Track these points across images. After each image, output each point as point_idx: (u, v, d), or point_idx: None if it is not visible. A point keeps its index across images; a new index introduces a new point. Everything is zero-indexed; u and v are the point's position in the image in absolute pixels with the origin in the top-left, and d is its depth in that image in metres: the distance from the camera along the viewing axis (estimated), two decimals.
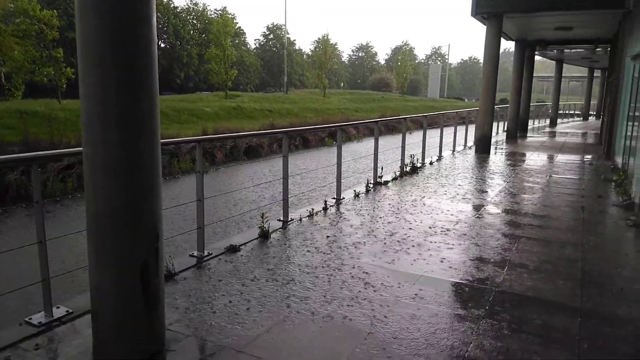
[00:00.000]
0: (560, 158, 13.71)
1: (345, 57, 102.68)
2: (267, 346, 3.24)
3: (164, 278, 3.30)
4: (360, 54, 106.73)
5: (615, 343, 3.38)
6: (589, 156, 14.24)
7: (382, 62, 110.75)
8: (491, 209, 7.37)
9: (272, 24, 78.73)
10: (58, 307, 3.61)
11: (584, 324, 3.63)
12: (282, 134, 6.51)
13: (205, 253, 4.95)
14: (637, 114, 8.18)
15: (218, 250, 5.09)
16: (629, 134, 9.40)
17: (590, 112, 37.65)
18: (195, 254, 4.92)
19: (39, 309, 3.55)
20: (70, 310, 3.60)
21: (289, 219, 6.35)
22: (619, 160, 10.97)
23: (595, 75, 36.70)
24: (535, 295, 4.15)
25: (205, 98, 34.78)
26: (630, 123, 9.34)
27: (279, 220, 6.33)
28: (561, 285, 4.40)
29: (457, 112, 16.73)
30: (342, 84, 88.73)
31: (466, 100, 79.41)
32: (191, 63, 60.27)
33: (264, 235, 5.62)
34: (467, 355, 3.17)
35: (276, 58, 74.04)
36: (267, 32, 79.22)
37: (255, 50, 76.68)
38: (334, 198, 7.65)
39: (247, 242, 5.42)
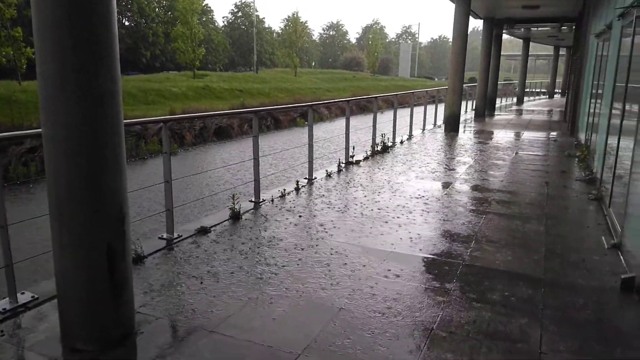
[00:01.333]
0: (527, 135, 14.02)
1: (316, 36, 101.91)
2: (239, 325, 3.25)
3: (132, 261, 3.25)
4: (331, 33, 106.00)
5: (576, 311, 3.53)
6: (554, 133, 14.62)
7: (353, 41, 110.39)
8: (459, 186, 7.51)
9: (241, 1, 77.15)
10: (23, 293, 3.53)
11: (547, 294, 3.77)
12: (252, 114, 6.43)
13: (175, 235, 4.90)
14: (599, 91, 8.39)
15: (188, 232, 5.04)
16: (591, 111, 9.66)
17: (556, 90, 38.54)
18: (165, 237, 4.86)
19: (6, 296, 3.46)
20: (36, 296, 3.52)
21: (261, 200, 6.33)
22: (582, 136, 11.29)
23: (561, 53, 37.49)
24: (501, 268, 4.28)
25: (172, 78, 34.01)
26: (593, 100, 9.59)
27: (251, 201, 6.30)
28: (525, 257, 4.54)
29: (427, 91, 16.86)
30: (313, 63, 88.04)
31: (436, 79, 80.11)
32: (157, 42, 58.58)
33: (235, 216, 5.59)
34: (435, 327, 3.26)
35: (245, 36, 72.72)
36: (236, 10, 77.64)
37: (223, 29, 75.03)
38: (305, 178, 7.65)
39: (218, 224, 5.38)
